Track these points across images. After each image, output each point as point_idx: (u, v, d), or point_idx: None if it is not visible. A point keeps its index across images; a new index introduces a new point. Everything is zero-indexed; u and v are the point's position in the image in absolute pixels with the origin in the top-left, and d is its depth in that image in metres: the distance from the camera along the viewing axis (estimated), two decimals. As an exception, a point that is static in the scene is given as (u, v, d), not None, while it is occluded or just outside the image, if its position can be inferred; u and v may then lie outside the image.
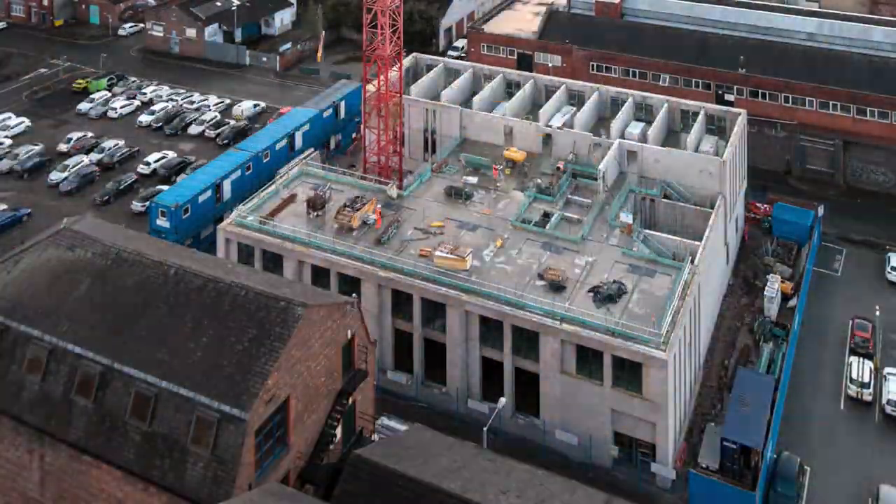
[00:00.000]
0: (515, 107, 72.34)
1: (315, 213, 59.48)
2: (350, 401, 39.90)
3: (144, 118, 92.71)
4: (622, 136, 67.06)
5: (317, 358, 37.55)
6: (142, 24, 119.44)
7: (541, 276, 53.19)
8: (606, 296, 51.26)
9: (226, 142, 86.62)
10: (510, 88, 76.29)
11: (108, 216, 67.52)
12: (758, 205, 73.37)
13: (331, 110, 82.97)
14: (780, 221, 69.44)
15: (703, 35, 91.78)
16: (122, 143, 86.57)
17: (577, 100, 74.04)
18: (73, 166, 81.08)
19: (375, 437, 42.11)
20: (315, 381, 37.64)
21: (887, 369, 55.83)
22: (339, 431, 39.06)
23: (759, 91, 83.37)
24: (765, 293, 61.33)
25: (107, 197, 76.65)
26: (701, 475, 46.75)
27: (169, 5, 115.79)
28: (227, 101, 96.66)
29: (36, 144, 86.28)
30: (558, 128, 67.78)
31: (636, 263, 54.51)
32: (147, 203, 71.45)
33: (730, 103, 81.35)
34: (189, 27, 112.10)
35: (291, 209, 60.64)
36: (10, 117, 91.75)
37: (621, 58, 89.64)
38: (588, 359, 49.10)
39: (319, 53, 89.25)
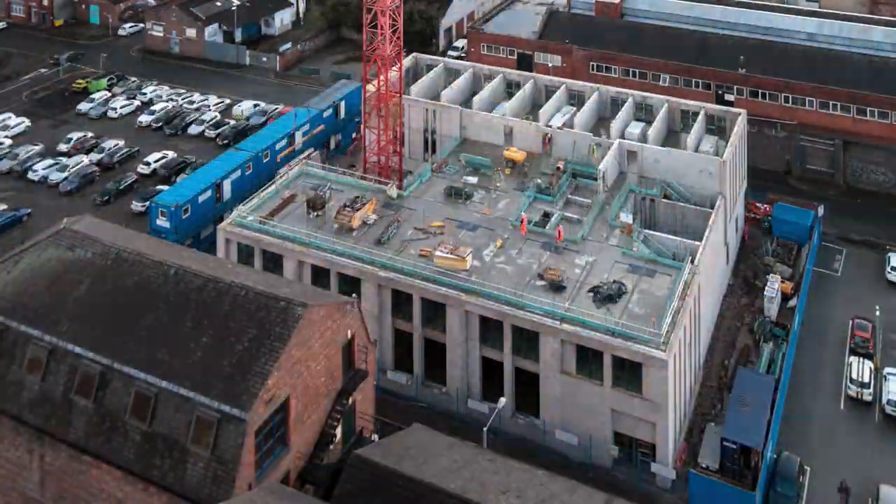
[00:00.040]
0: (515, 107, 72.35)
1: (315, 213, 59.48)
2: (350, 401, 39.91)
3: (144, 118, 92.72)
4: (622, 136, 67.08)
5: (317, 358, 37.56)
6: (142, 24, 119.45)
7: (541, 276, 53.19)
8: (606, 296, 51.26)
9: (226, 142, 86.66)
10: (510, 88, 76.29)
11: (108, 216, 67.40)
12: (758, 205, 73.35)
13: (331, 110, 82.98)
14: (780, 221, 69.42)
15: (703, 35, 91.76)
16: (122, 143, 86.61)
17: (577, 100, 74.05)
18: (73, 166, 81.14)
19: (375, 437, 42.08)
20: (315, 381, 37.64)
21: (887, 369, 55.82)
22: (339, 431, 39.07)
23: (759, 91, 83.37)
24: (765, 293, 61.32)
25: (107, 197, 76.67)
26: (701, 475, 46.74)
27: (169, 5, 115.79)
28: (227, 101, 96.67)
29: (36, 144, 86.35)
30: (558, 128, 67.81)
31: (636, 263, 54.51)
32: (147, 203, 71.49)
33: (730, 103, 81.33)
34: (189, 27, 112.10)
35: (291, 209, 60.66)
36: (9, 117, 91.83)
37: (621, 58, 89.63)
38: (588, 359, 49.10)
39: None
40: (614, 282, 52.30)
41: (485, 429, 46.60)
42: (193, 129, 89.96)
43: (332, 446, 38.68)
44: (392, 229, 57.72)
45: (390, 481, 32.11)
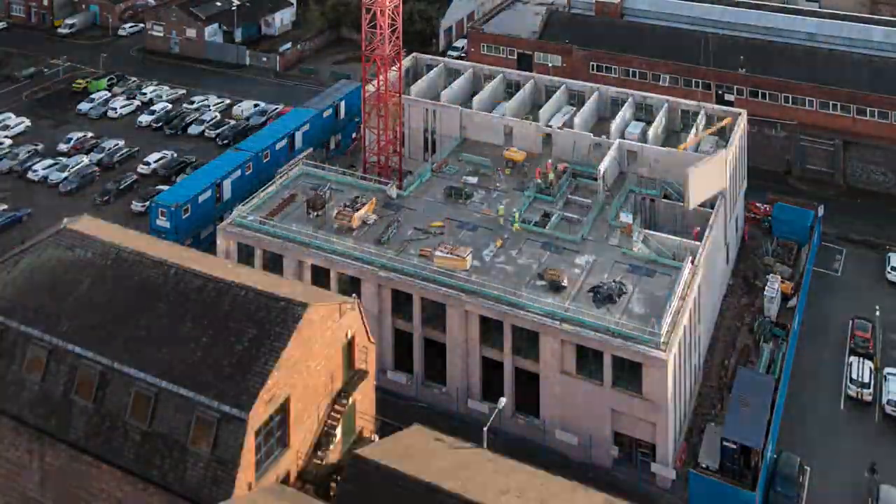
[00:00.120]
0: (515, 107, 72.34)
1: (315, 213, 59.47)
2: (350, 401, 39.88)
3: (144, 118, 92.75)
4: (622, 136, 67.07)
5: (317, 358, 37.52)
6: (142, 24, 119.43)
7: (541, 276, 53.19)
8: (606, 296, 51.24)
9: (226, 142, 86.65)
10: (510, 88, 76.30)
11: (108, 216, 67.29)
12: (758, 205, 73.37)
13: (331, 110, 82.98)
14: (780, 221, 69.43)
15: (703, 35, 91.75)
16: (122, 143, 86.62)
17: (577, 100, 74.06)
18: (73, 166, 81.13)
19: (375, 437, 42.06)
20: (315, 381, 37.61)
21: (887, 369, 55.84)
22: (339, 431, 39.04)
23: (759, 91, 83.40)
24: (765, 293, 61.32)
25: (107, 197, 76.68)
26: (701, 475, 46.74)
27: (169, 5, 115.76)
28: (227, 101, 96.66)
29: (36, 144, 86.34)
30: (558, 128, 67.81)
31: (636, 263, 54.49)
32: (147, 203, 71.47)
33: (730, 103, 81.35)
34: (189, 27, 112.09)
35: (291, 209, 60.65)
36: (9, 117, 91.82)
37: (621, 58, 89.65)
38: (588, 359, 49.11)
39: None
40: (614, 282, 52.29)
41: (485, 429, 46.50)
42: (193, 129, 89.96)
43: (332, 446, 38.66)
44: (392, 229, 57.71)
45: (390, 481, 32.08)
